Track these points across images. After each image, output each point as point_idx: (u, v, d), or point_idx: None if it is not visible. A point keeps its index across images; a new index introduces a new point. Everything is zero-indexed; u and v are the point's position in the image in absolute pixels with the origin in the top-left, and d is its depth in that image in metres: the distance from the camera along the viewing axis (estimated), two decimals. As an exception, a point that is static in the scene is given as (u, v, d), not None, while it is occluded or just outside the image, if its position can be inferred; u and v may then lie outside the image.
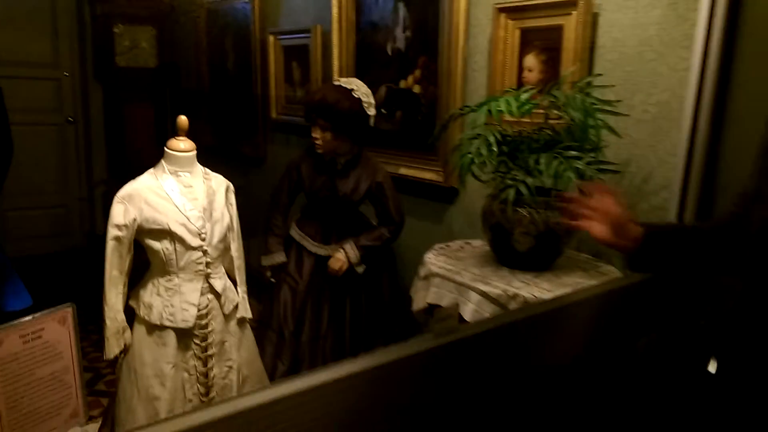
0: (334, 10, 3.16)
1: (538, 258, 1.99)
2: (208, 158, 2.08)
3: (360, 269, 2.52)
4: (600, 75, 2.04)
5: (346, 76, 3.18)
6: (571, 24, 2.12)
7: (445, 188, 2.71)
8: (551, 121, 1.97)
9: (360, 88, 2.38)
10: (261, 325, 2.63)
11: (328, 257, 2.52)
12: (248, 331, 2.11)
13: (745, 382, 1.09)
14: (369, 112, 2.37)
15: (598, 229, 1.23)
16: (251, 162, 4.09)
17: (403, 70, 2.89)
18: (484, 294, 1.85)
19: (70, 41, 4.65)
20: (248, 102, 4.01)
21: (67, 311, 1.44)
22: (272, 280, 2.61)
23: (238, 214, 2.13)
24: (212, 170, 2.05)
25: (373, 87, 3.04)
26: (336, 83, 2.42)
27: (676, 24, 1.91)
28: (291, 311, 2.55)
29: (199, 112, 4.60)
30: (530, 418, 1.45)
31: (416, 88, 2.84)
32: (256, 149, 4.03)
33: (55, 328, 1.43)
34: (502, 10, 2.33)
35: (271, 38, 3.74)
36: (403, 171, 2.89)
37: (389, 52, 2.97)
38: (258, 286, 2.72)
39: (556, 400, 1.50)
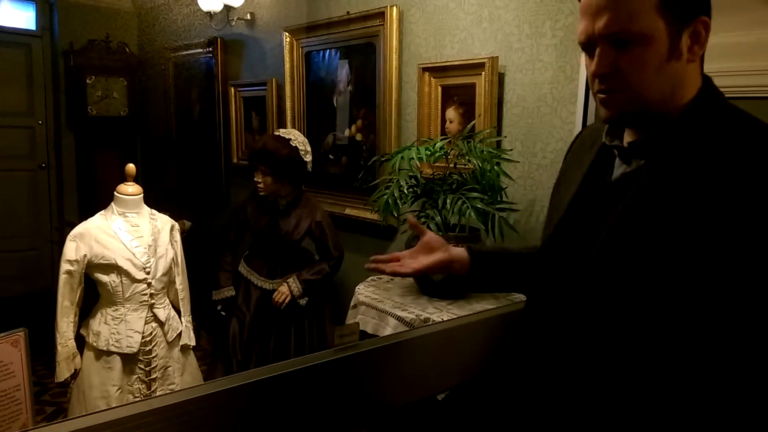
0: (287, 66, 3.47)
1: (453, 287, 2.22)
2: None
3: (302, 302, 2.72)
4: (495, 127, 2.35)
5: (298, 126, 3.47)
6: (481, 82, 2.43)
7: (384, 226, 2.96)
8: (459, 167, 2.25)
9: (297, 138, 2.64)
10: (212, 356, 2.81)
11: (274, 291, 2.72)
12: (192, 358, 2.30)
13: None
14: (305, 159, 2.63)
15: (409, 269, 1.26)
16: (214, 204, 4.32)
17: (348, 120, 3.19)
18: (399, 319, 2.08)
19: (44, 91, 4.83)
20: (211, 148, 4.27)
21: (19, 335, 1.63)
22: (222, 313, 2.80)
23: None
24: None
25: (322, 135, 3.35)
26: (276, 133, 2.68)
27: (565, 83, 2.23)
28: (239, 342, 2.73)
29: (166, 158, 4.86)
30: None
31: (358, 136, 3.13)
32: (219, 192, 4.27)
33: (7, 350, 1.62)
34: (425, 69, 2.64)
35: (232, 90, 4.03)
36: (348, 211, 3.15)
37: (335, 104, 3.27)
38: (211, 318, 2.91)
39: (449, 411, 1.72)
